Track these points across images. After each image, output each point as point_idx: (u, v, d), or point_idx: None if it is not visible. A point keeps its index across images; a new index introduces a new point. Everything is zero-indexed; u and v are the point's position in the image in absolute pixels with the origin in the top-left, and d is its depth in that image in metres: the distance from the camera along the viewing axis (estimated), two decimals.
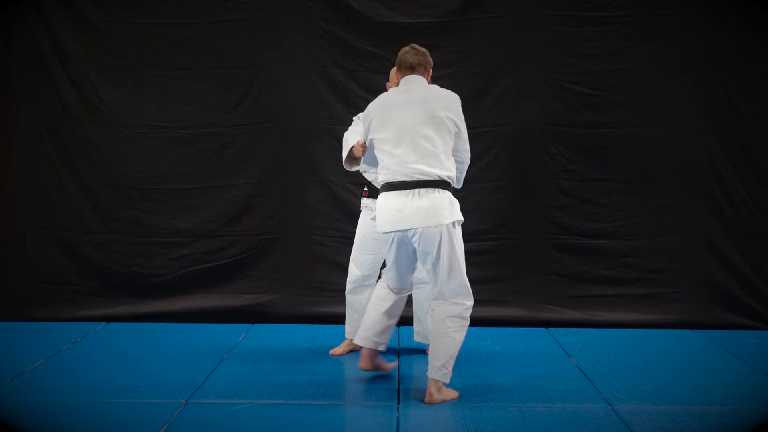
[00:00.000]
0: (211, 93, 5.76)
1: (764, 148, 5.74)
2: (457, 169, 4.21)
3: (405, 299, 4.36)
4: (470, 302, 4.14)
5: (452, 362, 4.09)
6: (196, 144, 5.78)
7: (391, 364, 4.51)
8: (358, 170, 4.67)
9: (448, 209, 4.03)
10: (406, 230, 4.04)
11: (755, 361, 4.89)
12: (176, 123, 5.77)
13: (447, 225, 4.01)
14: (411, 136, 4.04)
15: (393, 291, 4.29)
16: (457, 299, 4.09)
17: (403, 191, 4.04)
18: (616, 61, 5.70)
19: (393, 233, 4.09)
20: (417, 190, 4.02)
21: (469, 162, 4.32)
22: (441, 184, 4.04)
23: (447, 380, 4.10)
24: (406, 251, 4.14)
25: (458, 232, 4.09)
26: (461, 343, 4.11)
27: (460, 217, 4.08)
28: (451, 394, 4.14)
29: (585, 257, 5.80)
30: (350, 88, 5.72)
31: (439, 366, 4.06)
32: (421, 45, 4.29)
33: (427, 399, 4.07)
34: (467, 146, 4.23)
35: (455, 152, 4.16)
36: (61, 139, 5.76)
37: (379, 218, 4.15)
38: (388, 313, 4.27)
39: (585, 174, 5.77)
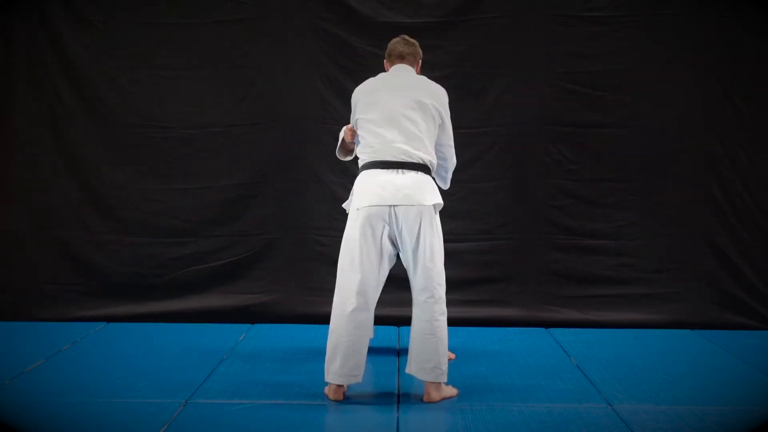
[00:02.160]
0: (210, 93, 5.76)
1: (764, 148, 5.74)
2: (440, 166, 4.25)
3: (371, 328, 4.20)
4: (444, 292, 4.12)
5: (445, 359, 4.08)
6: (196, 144, 5.78)
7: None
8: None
9: (430, 192, 4.06)
10: (388, 207, 3.99)
11: (755, 361, 4.89)
12: (176, 123, 5.76)
13: (428, 207, 4.02)
14: (397, 118, 4.06)
15: (356, 308, 4.05)
16: (436, 291, 4.06)
17: (386, 170, 4.04)
18: (616, 61, 5.69)
19: (370, 209, 4.00)
20: (401, 170, 4.04)
21: (454, 161, 4.34)
22: (424, 168, 4.07)
23: (444, 379, 4.09)
24: (374, 239, 4.01)
25: (438, 219, 4.11)
26: (447, 338, 4.11)
27: (440, 200, 4.10)
28: (450, 391, 4.14)
29: (585, 257, 5.80)
30: (350, 88, 5.66)
31: (431, 368, 4.04)
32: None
33: (426, 398, 4.07)
34: (451, 142, 4.27)
35: (439, 146, 4.20)
36: (61, 138, 5.76)
37: (357, 194, 4.09)
38: (360, 343, 4.08)
39: (585, 174, 5.77)
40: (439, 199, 4.09)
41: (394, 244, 4.09)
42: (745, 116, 5.70)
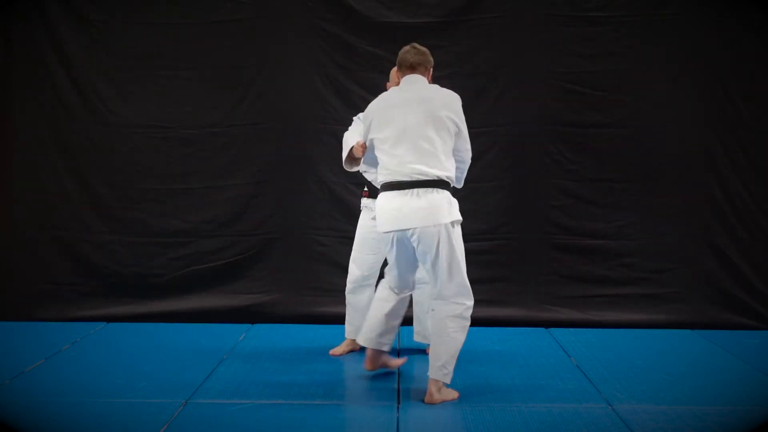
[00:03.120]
0: (211, 93, 5.77)
1: (764, 148, 5.74)
2: (457, 168, 4.23)
3: (407, 300, 4.38)
4: (470, 302, 4.14)
5: (453, 362, 4.10)
6: (196, 144, 5.78)
7: (398, 361, 4.52)
8: (358, 170, 4.66)
9: (446, 209, 4.04)
10: (405, 230, 4.05)
11: (755, 361, 4.89)
12: (176, 123, 5.77)
13: (445, 225, 4.02)
14: (411, 136, 4.05)
15: (395, 291, 4.31)
16: (458, 299, 4.09)
17: (401, 191, 4.04)
18: (616, 61, 5.70)
19: (392, 233, 4.10)
20: (416, 190, 4.02)
21: (470, 161, 4.33)
22: (440, 184, 4.05)
23: (448, 380, 4.10)
24: (405, 251, 4.15)
25: (457, 232, 4.09)
26: (462, 344, 4.12)
27: (458, 217, 4.09)
28: (451, 394, 4.14)
29: (585, 257, 5.80)
30: (350, 88, 5.72)
31: (440, 366, 4.07)
32: (421, 45, 4.30)
33: (426, 399, 4.08)
34: (468, 145, 4.24)
35: (456, 152, 4.17)
36: (61, 139, 5.76)
37: (378, 218, 4.17)
38: (391, 314, 4.29)
39: (585, 174, 5.77)
40: (457, 216, 4.09)
41: (416, 257, 4.19)
42: (745, 116, 5.70)
